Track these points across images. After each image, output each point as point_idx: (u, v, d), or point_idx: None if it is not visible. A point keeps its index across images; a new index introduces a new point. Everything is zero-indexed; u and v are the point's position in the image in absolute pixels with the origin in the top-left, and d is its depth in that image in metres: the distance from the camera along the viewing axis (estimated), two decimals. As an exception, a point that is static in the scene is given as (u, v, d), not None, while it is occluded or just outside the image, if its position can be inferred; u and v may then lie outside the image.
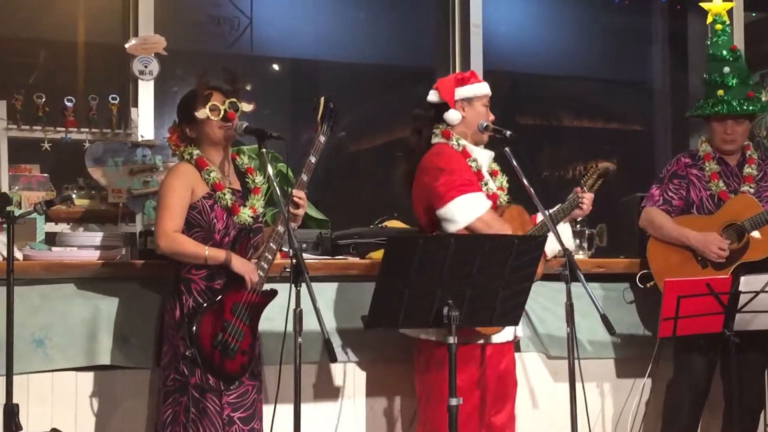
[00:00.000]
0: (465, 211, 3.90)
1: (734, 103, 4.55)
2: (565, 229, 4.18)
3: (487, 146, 4.13)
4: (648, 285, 4.61)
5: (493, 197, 4.03)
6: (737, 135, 4.61)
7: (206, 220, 3.68)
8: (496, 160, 4.17)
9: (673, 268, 4.48)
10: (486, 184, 4.04)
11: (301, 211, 3.76)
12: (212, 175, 3.70)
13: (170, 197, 3.65)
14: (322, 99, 3.83)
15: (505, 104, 4.27)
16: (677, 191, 4.61)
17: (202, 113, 3.67)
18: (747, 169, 4.62)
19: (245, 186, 3.83)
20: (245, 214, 3.73)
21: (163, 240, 3.62)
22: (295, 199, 3.70)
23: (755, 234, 4.42)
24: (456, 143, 4.05)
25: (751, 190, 4.56)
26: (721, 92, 4.60)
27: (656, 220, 4.58)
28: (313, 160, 3.76)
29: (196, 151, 3.74)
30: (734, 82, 4.62)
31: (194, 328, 3.57)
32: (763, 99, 4.79)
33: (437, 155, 4.02)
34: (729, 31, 4.82)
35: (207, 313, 3.61)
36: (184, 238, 3.64)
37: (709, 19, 4.88)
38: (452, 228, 3.91)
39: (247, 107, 3.76)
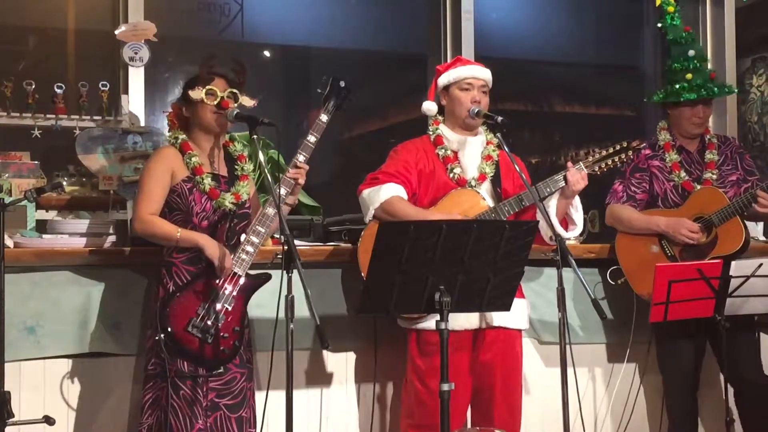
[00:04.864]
0: (365, 204, 4.04)
1: (711, 86, 4.54)
2: (578, 204, 4.14)
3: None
4: (619, 281, 4.55)
5: (460, 181, 4.06)
6: (707, 118, 4.62)
7: (185, 204, 3.67)
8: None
9: (642, 264, 4.42)
10: (452, 170, 4.06)
11: (295, 195, 3.77)
12: (193, 159, 3.71)
13: (148, 181, 3.67)
14: (331, 78, 3.82)
15: (496, 90, 4.23)
16: (640, 185, 4.57)
17: (195, 94, 3.67)
18: (708, 155, 4.58)
19: (233, 172, 3.82)
20: (225, 199, 3.72)
21: (137, 223, 3.64)
22: (289, 176, 3.71)
23: None
24: (431, 132, 4.14)
25: (714, 176, 4.52)
26: (689, 76, 4.57)
27: (623, 214, 4.54)
28: (312, 139, 3.76)
29: (182, 136, 3.75)
30: (700, 64, 4.61)
31: (166, 311, 3.56)
32: (755, 84, 4.78)
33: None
34: (680, 13, 4.78)
35: (181, 296, 3.60)
36: (158, 219, 3.65)
37: (658, 1, 4.79)
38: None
39: (248, 102, 3.74)
